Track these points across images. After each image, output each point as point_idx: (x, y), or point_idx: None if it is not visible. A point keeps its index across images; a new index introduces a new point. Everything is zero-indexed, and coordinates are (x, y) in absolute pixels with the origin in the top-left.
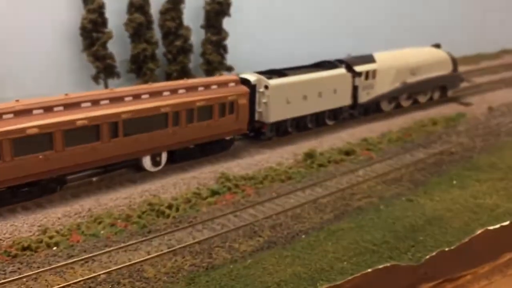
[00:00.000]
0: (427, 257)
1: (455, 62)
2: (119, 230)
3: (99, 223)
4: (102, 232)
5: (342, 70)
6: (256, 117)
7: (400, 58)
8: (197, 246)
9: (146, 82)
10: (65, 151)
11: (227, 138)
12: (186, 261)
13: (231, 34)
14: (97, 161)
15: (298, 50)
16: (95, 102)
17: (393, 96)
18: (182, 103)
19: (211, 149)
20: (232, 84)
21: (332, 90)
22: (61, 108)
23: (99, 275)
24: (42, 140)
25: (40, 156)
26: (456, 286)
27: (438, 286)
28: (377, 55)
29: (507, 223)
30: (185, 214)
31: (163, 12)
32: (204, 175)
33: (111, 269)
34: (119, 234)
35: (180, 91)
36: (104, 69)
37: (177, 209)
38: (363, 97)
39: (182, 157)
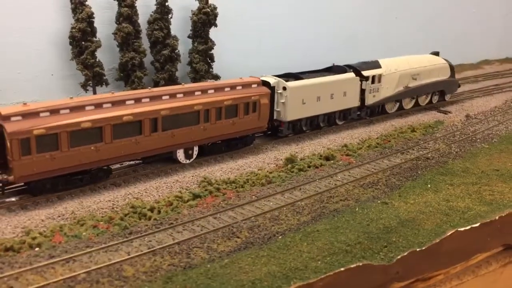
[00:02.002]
0: (399, 257)
1: (452, 68)
2: (101, 231)
3: (82, 225)
4: (84, 233)
5: (351, 74)
6: (275, 116)
7: (403, 64)
8: (176, 246)
9: (134, 89)
10: (112, 143)
11: (249, 134)
12: (164, 261)
13: (218, 44)
14: (139, 153)
15: (283, 60)
16: (138, 100)
17: (396, 99)
18: (212, 102)
19: (235, 145)
20: (254, 85)
21: (342, 92)
22: (109, 105)
23: (79, 274)
24: (94, 133)
25: (92, 147)
26: (428, 285)
27: (410, 286)
28: (382, 61)
29: (477, 225)
30: (167, 216)
31: (151, 22)
32: (187, 179)
33: (91, 269)
34: (100, 235)
35: (210, 91)
36: (93, 77)
37: (159, 212)
38: (370, 100)
39: (210, 151)
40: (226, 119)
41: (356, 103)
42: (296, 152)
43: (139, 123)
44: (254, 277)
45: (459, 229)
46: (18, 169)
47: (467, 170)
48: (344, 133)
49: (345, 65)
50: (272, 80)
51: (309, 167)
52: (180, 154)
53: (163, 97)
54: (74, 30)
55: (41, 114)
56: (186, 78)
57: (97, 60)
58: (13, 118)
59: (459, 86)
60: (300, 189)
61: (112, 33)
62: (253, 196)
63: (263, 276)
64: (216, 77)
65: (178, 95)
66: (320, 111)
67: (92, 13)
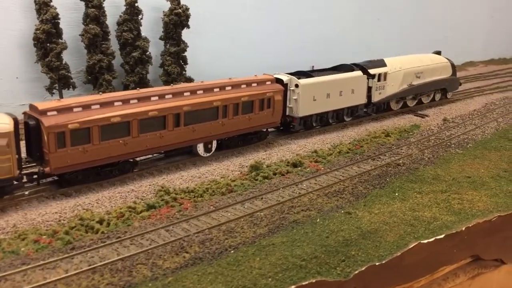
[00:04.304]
0: (356, 272)
1: (454, 67)
2: (41, 246)
3: (23, 239)
4: (23, 249)
5: (359, 73)
6: (287, 112)
7: (407, 62)
8: (119, 263)
9: (103, 92)
10: (139, 137)
11: (263, 129)
12: (103, 279)
13: (191, 46)
14: (162, 146)
15: (257, 61)
16: (161, 96)
17: (401, 97)
18: (230, 98)
19: (251, 139)
20: (268, 82)
21: (350, 90)
22: (135, 100)
23: None
24: (122, 127)
25: (120, 141)
26: None
27: None
28: (387, 60)
29: (441, 236)
30: (116, 229)
31: (120, 23)
32: (143, 188)
33: None
34: (40, 251)
35: (227, 88)
36: (59, 80)
37: (108, 224)
38: (376, 97)
39: (228, 146)
40: (243, 115)
41: (363, 100)
42: (263, 159)
43: (163, 118)
44: None
45: (422, 241)
46: (54, 161)
47: (437, 177)
48: (316, 138)
49: (352, 64)
50: (285, 78)
51: (274, 174)
52: (200, 148)
53: (185, 94)
54: (38, 31)
55: (75, 109)
56: (158, 81)
57: (63, 62)
58: (49, 113)
59: (460, 85)
60: (262, 198)
61: (79, 35)
62: (211, 206)
63: None
64: (189, 80)
65: (198, 92)
66: (330, 107)
67: (57, 14)
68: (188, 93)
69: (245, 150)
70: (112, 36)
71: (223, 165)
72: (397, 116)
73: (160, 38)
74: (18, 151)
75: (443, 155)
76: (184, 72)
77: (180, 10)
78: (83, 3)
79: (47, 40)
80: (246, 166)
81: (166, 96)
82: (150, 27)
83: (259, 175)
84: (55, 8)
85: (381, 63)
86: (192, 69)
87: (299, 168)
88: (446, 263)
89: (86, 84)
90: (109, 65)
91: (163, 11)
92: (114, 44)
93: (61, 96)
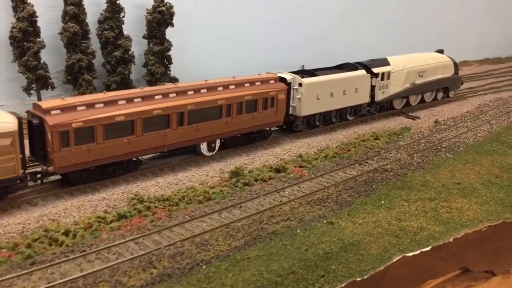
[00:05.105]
0: None
1: (456, 65)
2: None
3: None
4: None
5: (363, 71)
6: (290, 111)
7: (410, 61)
8: (80, 281)
9: (83, 93)
10: (143, 136)
11: (267, 128)
12: None
13: (177, 45)
14: (167, 145)
15: (246, 61)
16: (165, 95)
17: (404, 96)
18: (234, 97)
19: (254, 138)
20: (272, 81)
21: (354, 88)
22: (139, 99)
23: None
24: (126, 126)
25: (124, 140)
26: None
27: None
28: (390, 59)
29: (428, 248)
30: (82, 241)
31: (101, 21)
32: (115, 196)
33: None
34: None
35: (231, 86)
36: (36, 80)
37: (74, 236)
38: (379, 96)
39: (231, 144)
40: (246, 114)
41: (366, 99)
42: (246, 164)
43: (167, 117)
44: None
45: (406, 255)
46: (58, 160)
47: (426, 183)
48: (302, 141)
49: (355, 63)
50: (288, 77)
51: (256, 180)
52: (204, 147)
53: (189, 92)
54: (14, 30)
55: (78, 108)
56: (141, 81)
57: (41, 62)
58: (53, 112)
59: (462, 83)
60: (241, 207)
61: (58, 33)
62: (186, 216)
63: None
64: (174, 80)
65: (202, 91)
66: (333, 106)
67: (34, 12)
68: (192, 92)
69: (226, 154)
70: (93, 35)
71: (203, 171)
72: (387, 118)
73: (144, 37)
74: (22, 151)
75: (433, 159)
76: (168, 72)
77: (164, 8)
78: (62, 0)
79: (24, 39)
80: (227, 172)
81: (170, 95)
82: (133, 25)
83: (239, 182)
84: (32, 6)
85: (384, 62)
86: (177, 69)
87: (283, 173)
88: (433, 276)
89: (66, 84)
90: (89, 64)
91: (147, 9)
92: (95, 43)
93: (38, 97)
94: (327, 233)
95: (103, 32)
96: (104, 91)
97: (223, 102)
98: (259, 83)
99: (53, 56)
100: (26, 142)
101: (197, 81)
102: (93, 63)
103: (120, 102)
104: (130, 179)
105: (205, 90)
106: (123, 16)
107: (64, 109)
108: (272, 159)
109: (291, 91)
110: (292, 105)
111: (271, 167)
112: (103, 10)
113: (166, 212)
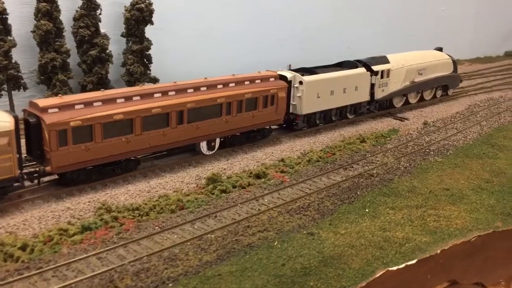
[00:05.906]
0: None
1: (455, 63)
2: None
3: None
4: None
5: (363, 69)
6: (291, 109)
7: (409, 59)
8: None
9: (56, 94)
10: (142, 135)
11: (267, 127)
12: None
13: (157, 44)
14: (166, 144)
15: (228, 61)
16: (164, 93)
17: (403, 94)
18: (234, 95)
19: (254, 137)
20: (272, 79)
21: (354, 87)
22: (138, 97)
23: None
24: (125, 125)
25: (123, 139)
26: None
27: None
28: (390, 57)
29: (413, 262)
30: (39, 257)
31: (76, 19)
32: (81, 206)
33: None
34: None
35: (231, 84)
36: (7, 80)
37: (32, 251)
38: (379, 94)
39: (231, 143)
40: (246, 112)
41: (366, 97)
42: (224, 169)
43: (167, 116)
44: None
45: (390, 269)
46: (56, 159)
47: (413, 189)
48: (285, 144)
49: (355, 60)
50: (288, 75)
51: (234, 187)
52: (203, 146)
53: (188, 91)
54: None
55: (76, 106)
56: (120, 81)
57: (13, 61)
58: (50, 110)
59: (461, 81)
60: (216, 216)
61: (31, 31)
62: (157, 227)
63: None
64: (154, 80)
65: (201, 89)
66: (334, 105)
67: (5, 9)
68: (192, 90)
69: (203, 159)
70: (68, 33)
71: (178, 177)
72: (375, 120)
73: (122, 35)
74: (19, 150)
75: (421, 163)
76: (148, 72)
77: (142, 5)
78: None
79: None
80: (204, 178)
81: (169, 93)
82: (111, 23)
83: (216, 189)
84: (3, 3)
85: (384, 60)
86: (158, 69)
87: (263, 179)
88: None
89: (40, 85)
90: (64, 64)
91: (125, 6)
92: (70, 42)
93: (10, 98)
94: (306, 245)
95: (79, 30)
96: (102, 89)
97: (223, 100)
98: (259, 81)
99: (26, 55)
100: (23, 141)
101: (196, 79)
102: (68, 63)
103: (118, 101)
104: (98, 186)
105: (204, 88)
106: (100, 14)
107: (62, 107)
108: (253, 164)
109: (292, 89)
110: (293, 103)
111: (251, 173)
112: (78, 7)
113: (134, 223)
